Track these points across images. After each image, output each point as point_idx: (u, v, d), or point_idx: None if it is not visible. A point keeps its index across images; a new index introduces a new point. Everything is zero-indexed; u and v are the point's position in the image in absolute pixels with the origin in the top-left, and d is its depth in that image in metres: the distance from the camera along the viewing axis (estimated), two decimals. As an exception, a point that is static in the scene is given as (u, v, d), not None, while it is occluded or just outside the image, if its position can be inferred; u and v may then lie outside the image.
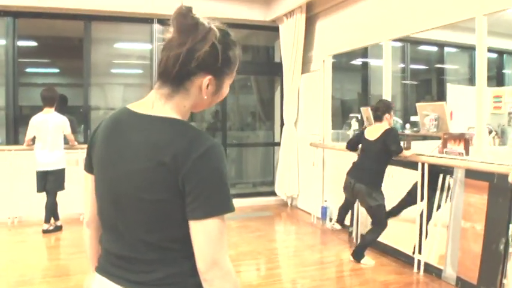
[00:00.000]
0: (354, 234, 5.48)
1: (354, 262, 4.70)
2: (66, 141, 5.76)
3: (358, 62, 8.64)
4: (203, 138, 1.20)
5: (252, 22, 7.60)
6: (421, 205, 4.44)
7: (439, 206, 4.34)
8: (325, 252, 5.25)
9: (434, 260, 4.32)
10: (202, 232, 1.16)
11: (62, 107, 6.23)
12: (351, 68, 8.88)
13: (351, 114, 6.82)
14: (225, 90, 1.35)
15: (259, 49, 8.86)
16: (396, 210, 4.92)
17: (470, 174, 3.96)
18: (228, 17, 7.20)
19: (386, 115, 4.63)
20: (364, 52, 8.02)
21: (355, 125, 6.39)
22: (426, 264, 4.35)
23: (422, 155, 4.46)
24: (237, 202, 5.54)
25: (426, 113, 4.90)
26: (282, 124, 7.57)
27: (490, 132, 5.13)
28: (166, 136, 1.20)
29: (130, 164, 1.22)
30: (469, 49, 7.76)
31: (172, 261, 1.25)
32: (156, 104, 1.26)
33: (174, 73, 1.23)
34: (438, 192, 4.34)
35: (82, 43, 7.01)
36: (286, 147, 7.41)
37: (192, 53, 1.21)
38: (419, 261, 4.40)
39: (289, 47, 7.17)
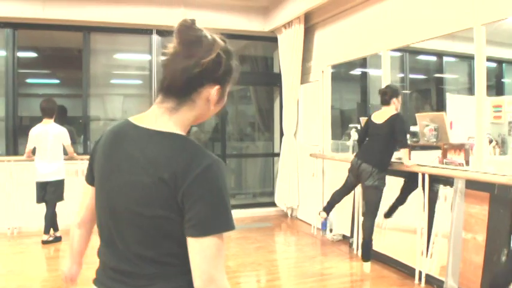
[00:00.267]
0: (354, 245, 5.45)
1: (355, 273, 4.68)
2: (65, 152, 5.75)
3: (357, 72, 8.65)
4: (203, 155, 1.20)
5: (250, 33, 7.63)
6: (423, 216, 4.42)
7: (439, 217, 4.32)
8: (326, 264, 5.22)
9: (436, 272, 4.29)
10: (199, 249, 1.16)
11: (62, 118, 6.23)
12: (350, 78, 8.89)
13: (351, 125, 6.82)
14: (225, 98, 1.36)
15: (258, 59, 8.87)
16: (391, 211, 4.92)
17: (471, 184, 3.94)
18: (227, 27, 7.24)
19: (394, 99, 4.64)
20: (363, 62, 8.02)
21: (354, 135, 6.37)
22: (427, 276, 4.32)
23: (422, 165, 4.44)
24: (236, 213, 5.55)
25: (426, 123, 4.90)
26: (282, 134, 7.56)
27: (491, 141, 5.12)
28: (166, 152, 1.20)
29: (129, 177, 1.22)
30: (468, 58, 7.77)
31: (170, 276, 1.24)
32: (160, 118, 1.26)
33: (182, 86, 1.23)
34: (438, 202, 4.32)
35: (81, 54, 7.03)
36: (286, 157, 7.40)
37: (199, 65, 1.22)
38: (420, 272, 4.37)
39: (288, 58, 7.18)
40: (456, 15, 4.30)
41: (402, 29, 5.07)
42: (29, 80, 8.52)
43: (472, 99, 4.26)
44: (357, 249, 5.34)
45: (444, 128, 4.74)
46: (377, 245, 4.97)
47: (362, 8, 5.78)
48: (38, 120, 5.71)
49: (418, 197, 4.47)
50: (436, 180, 4.34)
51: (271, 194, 8.09)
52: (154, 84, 7.21)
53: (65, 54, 8.38)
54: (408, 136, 5.56)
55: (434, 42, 5.94)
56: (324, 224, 6.34)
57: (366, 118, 5.01)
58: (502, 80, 8.66)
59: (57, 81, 9.30)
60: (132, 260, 1.24)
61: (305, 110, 7.31)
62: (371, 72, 8.03)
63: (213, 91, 1.27)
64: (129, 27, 6.85)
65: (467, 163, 4.13)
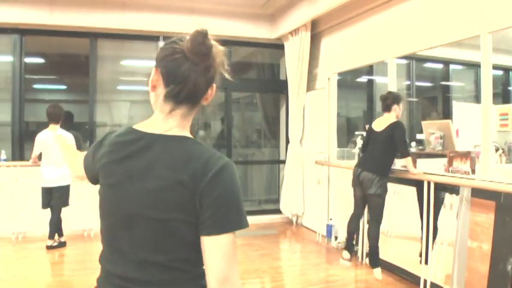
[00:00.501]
0: (359, 253, 5.42)
1: (360, 280, 4.65)
2: (71, 157, 5.75)
3: (363, 79, 8.64)
4: (217, 157, 1.24)
5: (257, 40, 7.66)
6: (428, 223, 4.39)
7: (445, 225, 4.29)
8: (331, 271, 5.19)
9: (441, 280, 4.26)
10: (216, 248, 1.18)
11: (68, 123, 6.26)
12: (357, 86, 8.88)
13: (357, 132, 6.79)
14: None
15: (264, 66, 8.88)
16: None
17: (477, 193, 3.91)
18: (234, 34, 7.29)
19: (395, 106, 4.64)
20: (369, 70, 8.02)
21: (360, 143, 6.36)
22: (432, 284, 4.29)
23: (428, 173, 4.42)
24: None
25: (432, 131, 4.89)
26: (287, 142, 7.56)
27: (497, 150, 5.09)
28: (184, 156, 1.22)
29: (145, 183, 1.22)
30: (475, 66, 7.74)
31: (180, 282, 1.25)
32: (166, 123, 1.29)
33: (199, 94, 1.29)
34: (444, 211, 4.30)
35: (88, 60, 7.07)
36: (292, 164, 7.39)
37: (215, 74, 1.30)
38: (425, 280, 4.34)
39: (294, 65, 7.19)
40: (463, 23, 4.29)
41: (408, 36, 5.07)
42: (36, 86, 8.57)
43: (479, 107, 4.23)
44: (362, 257, 5.31)
45: (450, 136, 4.73)
46: (382, 253, 4.94)
47: (368, 15, 5.79)
48: (44, 125, 5.73)
49: (424, 205, 4.43)
50: (441, 189, 4.32)
51: (277, 201, 8.08)
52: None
53: (72, 60, 8.44)
54: (413, 143, 5.56)
55: (441, 50, 5.92)
56: (329, 232, 6.32)
57: (368, 126, 5.00)
58: (509, 88, 8.61)
59: (64, 87, 9.36)
60: (142, 267, 1.24)
61: (311, 117, 7.30)
62: (377, 79, 8.03)
63: (213, 89, 1.33)
64: (136, 33, 6.89)
65: (473, 171, 4.11)
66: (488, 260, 3.72)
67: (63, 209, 5.72)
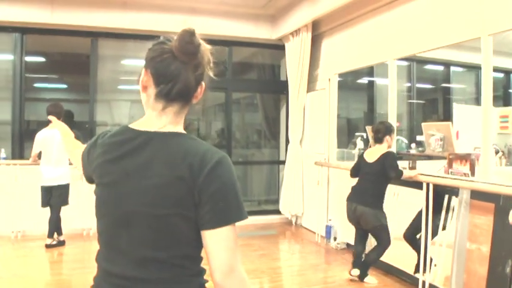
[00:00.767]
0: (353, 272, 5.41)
1: (357, 281, 4.65)
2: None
3: (364, 80, 8.64)
4: (213, 151, 1.26)
5: (258, 40, 7.65)
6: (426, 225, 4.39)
7: (444, 227, 4.29)
8: (329, 272, 5.19)
9: (440, 282, 4.25)
10: (219, 240, 1.20)
11: (68, 122, 6.20)
12: (357, 87, 8.88)
13: (357, 133, 6.80)
14: None
15: (265, 67, 8.88)
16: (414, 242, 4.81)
17: (476, 195, 3.91)
18: (234, 34, 7.29)
19: (387, 137, 4.64)
20: (370, 71, 8.02)
21: (360, 144, 6.37)
22: (431, 286, 4.28)
23: (427, 175, 4.42)
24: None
25: (432, 132, 4.88)
26: (287, 142, 7.56)
27: (497, 152, 5.09)
28: (181, 151, 1.23)
29: (143, 180, 1.23)
30: (476, 69, 7.74)
31: (181, 280, 1.25)
32: (160, 120, 1.30)
33: (190, 92, 1.30)
34: (443, 213, 4.30)
35: (89, 59, 7.07)
36: (291, 165, 7.39)
37: (203, 72, 1.31)
38: (423, 282, 4.34)
39: (295, 66, 7.19)
40: (463, 25, 4.29)
41: (409, 38, 5.07)
42: (36, 85, 8.57)
43: (479, 109, 4.24)
44: (361, 259, 5.30)
45: (450, 138, 4.72)
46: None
47: (369, 16, 5.79)
48: (45, 124, 5.73)
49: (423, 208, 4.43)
50: (441, 190, 4.31)
51: (276, 201, 8.08)
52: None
53: (72, 60, 8.43)
54: (413, 145, 5.55)
55: (442, 52, 5.93)
56: (328, 232, 6.31)
57: (359, 156, 4.99)
58: (510, 90, 8.61)
59: (64, 86, 9.35)
60: (141, 265, 1.24)
61: (311, 118, 7.30)
62: (378, 81, 8.03)
63: (201, 89, 1.34)
64: (137, 33, 6.88)
65: (472, 173, 4.11)
66: (487, 262, 3.73)
67: (63, 208, 5.73)
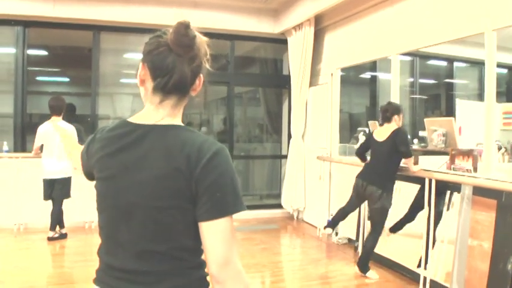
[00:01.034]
0: (359, 249, 5.42)
1: (359, 277, 4.66)
2: (73, 150, 5.76)
3: (366, 75, 8.62)
4: (210, 142, 1.25)
5: (260, 34, 7.63)
6: (428, 220, 4.38)
7: (445, 223, 4.29)
8: (330, 267, 5.20)
9: (441, 278, 4.25)
10: (216, 232, 1.19)
11: (70, 115, 6.27)
12: (360, 82, 8.87)
13: (359, 128, 6.79)
14: None
15: (267, 61, 8.87)
16: (397, 226, 4.89)
17: (478, 191, 3.91)
18: (237, 28, 7.27)
19: (395, 116, 4.60)
20: (372, 66, 8.01)
21: (362, 138, 6.35)
22: (432, 282, 4.28)
23: (430, 170, 4.41)
24: (242, 214, 5.50)
25: (434, 128, 4.87)
26: (290, 137, 7.55)
27: (499, 148, 5.08)
28: (178, 143, 1.23)
29: (142, 173, 1.23)
30: (479, 64, 7.72)
31: (181, 272, 1.26)
32: (158, 113, 1.30)
33: (187, 84, 1.29)
34: (445, 208, 4.29)
35: (91, 53, 7.06)
36: (293, 160, 7.39)
37: (201, 64, 1.30)
38: (425, 278, 4.33)
39: (297, 60, 7.17)
40: (467, 20, 4.27)
41: (412, 33, 5.05)
42: (39, 78, 8.57)
43: (482, 105, 4.22)
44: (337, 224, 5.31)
45: (453, 134, 4.71)
46: (382, 250, 4.95)
47: (372, 11, 5.77)
48: (47, 117, 5.74)
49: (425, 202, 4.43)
50: (443, 186, 4.31)
51: (278, 196, 8.08)
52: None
53: (75, 53, 8.43)
54: (415, 140, 5.54)
55: (445, 47, 5.92)
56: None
57: (368, 135, 4.98)
58: (513, 86, 8.60)
59: (67, 79, 9.36)
60: (141, 257, 1.25)
61: (313, 112, 7.29)
62: (381, 76, 8.02)
63: (199, 82, 1.34)
64: (139, 26, 6.86)
65: (475, 169, 4.10)
66: (489, 259, 3.72)
67: (65, 201, 5.74)
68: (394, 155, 4.49)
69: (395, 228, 4.93)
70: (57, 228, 5.81)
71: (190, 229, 1.23)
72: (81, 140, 5.96)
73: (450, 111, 7.90)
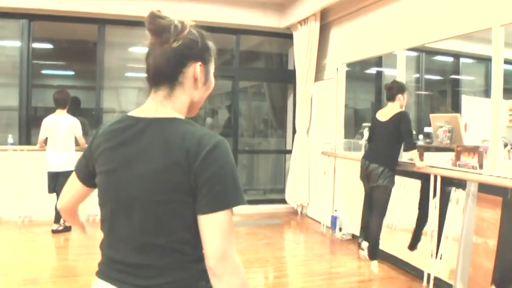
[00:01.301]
0: (363, 245, 5.40)
1: (362, 271, 4.65)
2: (77, 143, 5.78)
3: (372, 71, 8.58)
4: (210, 135, 1.25)
5: (266, 29, 7.61)
6: (433, 218, 4.36)
7: (450, 220, 4.27)
8: (334, 263, 5.19)
9: (445, 275, 4.24)
10: (214, 225, 1.19)
11: (75, 109, 6.28)
12: (365, 77, 8.82)
13: (364, 124, 6.76)
14: (212, 80, 1.41)
15: (272, 56, 8.84)
16: (415, 240, 4.80)
17: (484, 188, 3.88)
18: (242, 23, 7.25)
19: (399, 95, 4.60)
20: (378, 61, 7.96)
21: (367, 134, 6.33)
22: (436, 279, 4.27)
23: (435, 166, 4.39)
24: (246, 209, 5.54)
25: (440, 124, 4.85)
26: (294, 132, 7.54)
27: (506, 145, 5.04)
28: (176, 136, 1.23)
29: (142, 167, 1.23)
30: (486, 60, 7.67)
31: (181, 266, 1.26)
32: (159, 106, 1.30)
33: (166, 70, 1.29)
34: (450, 205, 4.27)
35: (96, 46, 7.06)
36: (298, 155, 7.37)
37: (175, 46, 1.28)
38: (429, 275, 4.32)
39: (302, 55, 7.14)
40: (474, 15, 4.23)
41: (418, 28, 5.01)
42: (44, 71, 8.58)
43: (488, 101, 4.19)
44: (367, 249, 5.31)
45: (458, 130, 4.69)
46: (386, 246, 4.94)
47: (378, 6, 5.73)
48: (52, 111, 5.77)
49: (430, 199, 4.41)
50: (448, 183, 4.28)
51: (282, 190, 8.08)
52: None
53: (80, 47, 8.43)
54: (420, 136, 5.52)
55: (451, 43, 5.87)
56: (334, 223, 6.31)
57: (372, 116, 4.95)
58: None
59: (72, 73, 9.36)
60: (142, 251, 1.25)
61: (318, 107, 7.27)
62: (386, 71, 7.97)
63: (197, 67, 1.32)
64: (144, 20, 6.85)
65: (480, 166, 4.08)
66: (494, 257, 3.70)
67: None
68: (396, 137, 4.48)
69: (413, 244, 4.79)
70: (61, 221, 5.82)
71: (191, 222, 1.22)
72: (85, 134, 5.99)
73: (456, 108, 7.86)
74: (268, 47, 8.68)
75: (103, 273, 1.34)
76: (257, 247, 5.60)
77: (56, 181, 5.64)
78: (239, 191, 1.23)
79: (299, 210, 7.61)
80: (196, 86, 1.34)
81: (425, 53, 7.95)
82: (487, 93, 7.70)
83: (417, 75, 8.18)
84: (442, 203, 4.30)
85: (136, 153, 1.25)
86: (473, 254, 3.91)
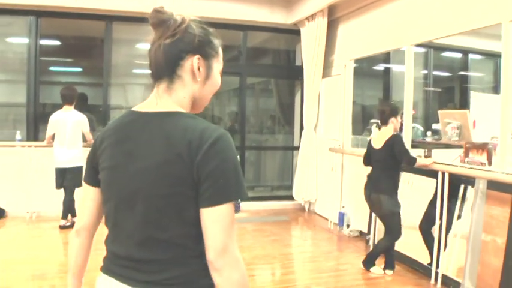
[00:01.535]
0: (371, 242, 5.39)
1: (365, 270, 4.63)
2: (84, 139, 5.80)
3: (380, 67, 8.54)
4: (212, 128, 1.24)
5: (273, 25, 7.59)
6: (441, 215, 4.34)
7: (459, 217, 4.24)
8: (341, 260, 5.18)
9: (453, 273, 4.21)
10: (216, 218, 1.19)
11: (82, 105, 6.29)
12: (373, 74, 8.78)
13: (372, 120, 6.73)
14: (217, 77, 1.40)
15: (280, 52, 8.82)
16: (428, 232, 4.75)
17: (493, 185, 3.85)
18: (250, 19, 7.22)
19: (392, 119, 4.49)
20: (386, 57, 7.92)
21: (375, 131, 6.29)
22: (444, 277, 4.25)
23: (443, 163, 4.36)
24: (253, 205, 5.55)
25: (448, 121, 4.81)
26: (302, 128, 7.52)
27: (514, 142, 5.00)
28: (177, 129, 1.23)
29: (145, 161, 1.23)
30: (495, 56, 7.60)
31: (184, 261, 1.25)
32: (159, 101, 1.31)
33: (164, 63, 1.30)
34: (459, 202, 4.24)
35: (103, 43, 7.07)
36: (305, 151, 7.35)
37: (172, 39, 1.29)
38: (437, 273, 4.30)
39: (310, 51, 7.11)
40: (483, 10, 4.18)
41: (427, 23, 4.96)
42: (52, 68, 8.60)
43: (497, 98, 4.15)
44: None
45: (467, 127, 4.65)
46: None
47: (386, 1, 5.69)
48: (59, 107, 5.78)
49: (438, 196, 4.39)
50: (456, 180, 4.25)
51: (289, 187, 8.06)
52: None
53: (87, 43, 8.45)
54: (429, 133, 5.47)
55: (460, 39, 5.82)
56: (341, 219, 6.29)
57: (368, 143, 4.87)
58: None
59: (79, 69, 9.38)
60: (146, 246, 1.25)
61: (326, 104, 7.25)
62: (394, 68, 7.93)
63: (194, 60, 1.31)
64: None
65: (489, 163, 4.04)
66: (503, 254, 3.67)
67: (77, 190, 5.77)
68: (392, 161, 4.42)
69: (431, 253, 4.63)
70: (69, 216, 5.84)
71: (194, 216, 1.22)
72: (93, 129, 6.00)
73: (464, 104, 7.80)
74: (275, 43, 8.66)
75: (107, 268, 1.35)
76: (264, 244, 5.60)
77: (64, 177, 5.67)
78: (241, 184, 1.23)
79: (306, 207, 7.60)
80: (196, 80, 1.33)
81: (433, 49, 7.90)
82: (496, 89, 7.64)
83: (425, 72, 8.13)
84: (451, 201, 4.26)
85: (139, 147, 1.25)
86: (481, 251, 3.89)
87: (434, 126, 5.67)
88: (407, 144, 4.84)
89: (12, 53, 7.40)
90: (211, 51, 1.36)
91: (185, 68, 1.31)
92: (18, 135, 6.38)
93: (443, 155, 4.86)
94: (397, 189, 4.51)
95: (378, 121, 4.70)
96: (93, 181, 1.40)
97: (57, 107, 5.92)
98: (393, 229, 4.48)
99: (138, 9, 6.64)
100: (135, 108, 1.35)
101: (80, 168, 5.70)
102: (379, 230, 5.25)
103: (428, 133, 5.79)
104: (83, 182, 1.45)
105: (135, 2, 6.62)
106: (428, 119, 7.84)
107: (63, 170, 5.65)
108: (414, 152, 4.66)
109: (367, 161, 4.82)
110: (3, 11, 6.51)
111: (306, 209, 7.58)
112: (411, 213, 4.90)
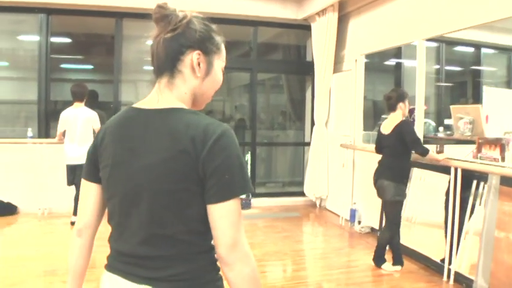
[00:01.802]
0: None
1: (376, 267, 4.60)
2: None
3: (391, 62, 8.48)
4: (216, 124, 1.24)
5: (284, 20, 7.55)
6: (453, 212, 4.29)
7: (471, 214, 4.19)
8: (352, 256, 5.16)
9: (466, 270, 4.17)
10: (224, 213, 1.19)
11: (93, 102, 6.31)
12: (384, 69, 8.73)
13: (383, 116, 6.68)
14: (218, 73, 1.39)
15: (290, 48, 8.79)
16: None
17: (506, 181, 3.80)
18: (260, 15, 7.20)
19: (400, 104, 4.45)
20: (397, 52, 7.86)
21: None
22: (456, 274, 4.21)
23: (456, 159, 4.31)
24: (265, 201, 5.56)
25: (461, 116, 4.75)
26: (313, 124, 7.49)
27: (528, 137, 4.94)
28: (181, 125, 1.22)
29: (149, 157, 1.22)
30: (508, 51, 7.53)
31: (189, 257, 1.25)
32: (161, 97, 1.31)
33: (165, 57, 1.30)
34: (471, 199, 4.19)
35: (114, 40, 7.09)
36: (316, 147, 7.33)
37: (173, 33, 1.29)
38: (449, 269, 4.26)
39: (321, 46, 7.08)
40: (495, 3, 4.12)
41: (438, 17, 4.91)
42: (62, 65, 8.65)
43: (510, 92, 4.10)
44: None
45: (479, 122, 4.59)
46: (405, 240, 4.87)
47: (398, -4, 5.63)
48: (70, 104, 5.81)
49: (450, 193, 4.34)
50: (469, 176, 4.20)
51: (301, 183, 8.04)
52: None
53: (98, 40, 8.48)
54: (441, 128, 5.42)
55: (472, 33, 5.76)
56: (353, 216, 6.27)
57: (378, 129, 4.83)
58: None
59: (90, 66, 9.43)
60: (151, 242, 1.24)
61: (337, 99, 7.20)
62: (406, 63, 7.87)
63: (194, 55, 1.30)
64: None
65: (502, 159, 3.99)
66: (516, 251, 3.63)
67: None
68: (401, 147, 4.37)
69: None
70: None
71: (199, 212, 1.22)
72: (103, 127, 6.02)
73: (476, 99, 7.72)
74: (286, 39, 8.63)
75: (111, 266, 1.35)
76: (275, 240, 5.59)
77: (75, 174, 5.69)
78: (247, 179, 1.23)
79: (318, 203, 7.58)
80: (196, 75, 1.32)
81: (445, 43, 7.83)
82: (509, 84, 7.57)
83: (437, 66, 8.06)
84: (463, 197, 4.22)
85: (142, 144, 1.24)
86: (495, 248, 3.84)
87: (447, 121, 5.62)
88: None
89: (24, 51, 7.45)
90: (212, 47, 1.34)
91: (185, 63, 1.30)
92: (29, 133, 6.43)
93: (455, 150, 4.81)
94: (404, 178, 4.47)
95: (386, 108, 4.64)
96: (94, 178, 1.39)
97: (68, 104, 5.95)
98: (392, 218, 4.46)
99: (148, 6, 6.59)
100: (135, 105, 1.34)
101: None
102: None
103: (440, 128, 5.74)
104: (82, 179, 1.43)
105: (145, -1, 6.61)
106: (440, 114, 7.78)
107: (74, 167, 5.67)
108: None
109: (378, 148, 4.78)
110: (15, 9, 6.57)
111: (317, 205, 7.56)
112: (422, 210, 4.86)
